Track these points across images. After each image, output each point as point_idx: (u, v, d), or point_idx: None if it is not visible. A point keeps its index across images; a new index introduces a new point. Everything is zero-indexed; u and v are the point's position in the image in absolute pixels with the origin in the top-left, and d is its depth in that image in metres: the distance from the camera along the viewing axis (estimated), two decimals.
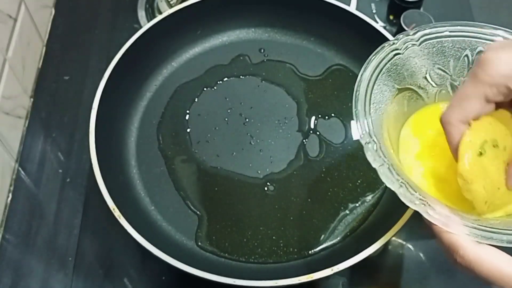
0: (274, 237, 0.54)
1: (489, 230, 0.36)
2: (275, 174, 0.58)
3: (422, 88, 0.45)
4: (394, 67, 0.44)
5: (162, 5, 0.74)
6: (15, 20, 0.64)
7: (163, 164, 0.59)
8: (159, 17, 0.62)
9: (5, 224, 0.59)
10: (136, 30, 0.61)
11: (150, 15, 0.74)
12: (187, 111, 0.62)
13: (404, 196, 0.37)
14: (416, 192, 0.38)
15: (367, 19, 0.62)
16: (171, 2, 0.73)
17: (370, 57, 0.43)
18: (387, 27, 0.73)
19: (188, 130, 0.61)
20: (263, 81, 0.65)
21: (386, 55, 0.43)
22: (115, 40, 0.70)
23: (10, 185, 0.61)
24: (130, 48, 0.60)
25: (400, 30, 0.68)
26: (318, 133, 0.61)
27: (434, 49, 0.44)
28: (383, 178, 0.39)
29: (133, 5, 0.75)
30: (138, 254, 0.56)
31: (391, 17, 0.74)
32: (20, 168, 0.62)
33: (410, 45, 0.44)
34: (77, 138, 0.64)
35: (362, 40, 0.63)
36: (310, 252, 0.54)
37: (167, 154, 0.60)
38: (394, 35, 0.62)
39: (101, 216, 0.58)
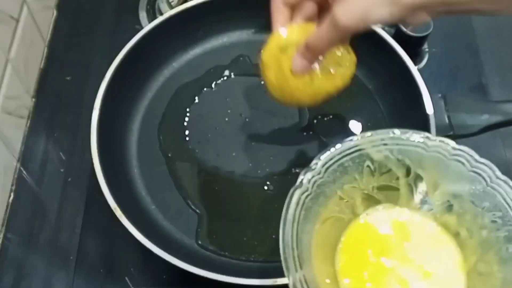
0: (274, 236, 0.55)
1: None
2: (275, 173, 0.58)
3: (338, 209, 0.46)
4: (308, 210, 0.43)
5: (163, 6, 0.74)
6: (18, 21, 0.64)
7: (164, 163, 0.59)
8: (160, 18, 0.62)
9: (7, 223, 0.59)
10: (138, 31, 0.61)
11: (151, 16, 0.74)
12: (188, 111, 0.63)
13: None
14: None
15: None
16: (172, 3, 0.74)
17: (283, 214, 0.42)
18: (386, 28, 0.73)
19: (189, 130, 0.62)
20: (263, 81, 0.65)
21: (298, 203, 0.42)
22: (116, 41, 0.71)
23: (12, 185, 0.61)
24: (132, 49, 0.60)
25: (399, 31, 0.68)
26: (318, 133, 0.61)
27: (338, 173, 0.44)
28: None
29: (134, 6, 0.75)
30: (139, 253, 0.57)
31: None
32: (22, 168, 0.63)
33: (317, 181, 0.44)
34: (79, 138, 0.65)
35: (360, 41, 0.63)
36: None
37: (168, 153, 0.60)
38: (392, 36, 0.63)
39: (102, 215, 0.58)
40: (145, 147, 0.60)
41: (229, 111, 0.63)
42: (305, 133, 0.61)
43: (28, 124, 0.66)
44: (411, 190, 0.46)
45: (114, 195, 0.51)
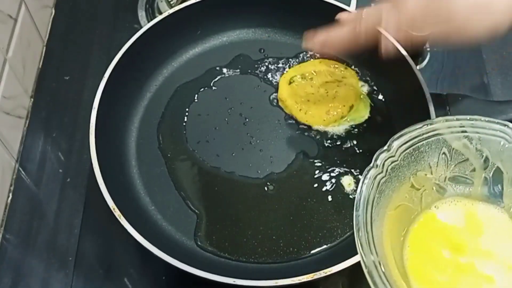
0: (274, 237, 0.54)
1: None
2: (275, 174, 0.58)
3: (407, 197, 0.45)
4: (381, 194, 0.42)
5: (162, 5, 0.74)
6: (16, 20, 0.64)
7: (163, 164, 0.59)
8: (159, 17, 0.62)
9: (6, 224, 0.59)
10: (136, 30, 0.61)
11: (150, 15, 0.74)
12: (187, 111, 0.63)
13: None
14: None
15: None
16: (171, 2, 0.73)
17: (357, 195, 0.41)
18: None
19: (188, 130, 0.61)
20: (263, 81, 0.65)
21: (372, 184, 0.41)
22: (115, 40, 0.71)
23: (11, 185, 0.61)
24: (130, 48, 0.60)
25: None
26: (318, 132, 0.61)
27: (412, 157, 0.43)
28: None
29: (133, 5, 0.75)
30: (138, 254, 0.57)
31: None
32: (20, 168, 0.63)
33: (391, 162, 0.42)
34: (78, 138, 0.64)
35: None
36: (310, 252, 0.54)
37: (167, 154, 0.60)
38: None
39: (101, 216, 0.58)
40: (144, 147, 0.60)
41: (228, 111, 0.63)
42: (305, 133, 0.61)
43: (26, 124, 0.66)
44: (486, 184, 0.44)
45: (113, 196, 0.50)
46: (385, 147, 0.42)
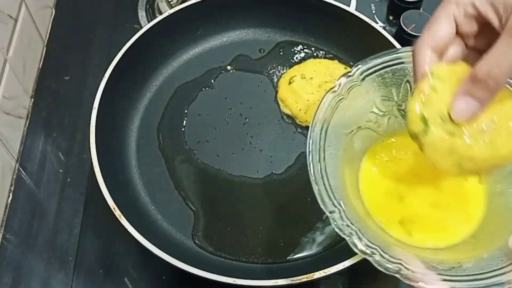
0: (274, 237, 0.54)
1: (465, 279, 0.36)
2: (275, 174, 0.58)
3: (370, 121, 0.45)
4: (339, 113, 0.43)
5: (163, 6, 0.74)
6: (16, 20, 0.64)
7: (163, 164, 0.59)
8: (159, 18, 0.62)
9: (6, 224, 0.59)
10: (137, 30, 0.61)
11: (151, 16, 0.74)
12: (187, 111, 0.63)
13: (379, 264, 0.37)
14: (391, 257, 0.37)
15: (367, 20, 0.62)
16: (172, 3, 0.74)
17: (316, 112, 0.42)
18: (387, 27, 0.73)
19: (188, 130, 0.61)
20: (263, 81, 0.65)
21: (330, 105, 0.42)
22: (115, 40, 0.71)
23: (11, 185, 0.61)
24: (131, 48, 0.60)
25: (400, 30, 0.68)
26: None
27: (375, 83, 0.44)
28: (354, 249, 0.39)
29: (133, 5, 0.75)
30: (139, 253, 0.57)
31: (390, 18, 0.74)
32: (20, 168, 0.63)
33: (352, 87, 0.43)
34: (78, 138, 0.64)
35: (361, 41, 0.64)
36: (310, 251, 0.54)
37: (167, 154, 0.60)
38: (393, 36, 0.63)
39: (101, 215, 0.58)
40: (144, 147, 0.60)
41: (228, 111, 0.63)
42: (305, 133, 0.61)
43: (26, 124, 0.66)
44: None
45: (113, 196, 0.50)
46: (347, 73, 0.43)
